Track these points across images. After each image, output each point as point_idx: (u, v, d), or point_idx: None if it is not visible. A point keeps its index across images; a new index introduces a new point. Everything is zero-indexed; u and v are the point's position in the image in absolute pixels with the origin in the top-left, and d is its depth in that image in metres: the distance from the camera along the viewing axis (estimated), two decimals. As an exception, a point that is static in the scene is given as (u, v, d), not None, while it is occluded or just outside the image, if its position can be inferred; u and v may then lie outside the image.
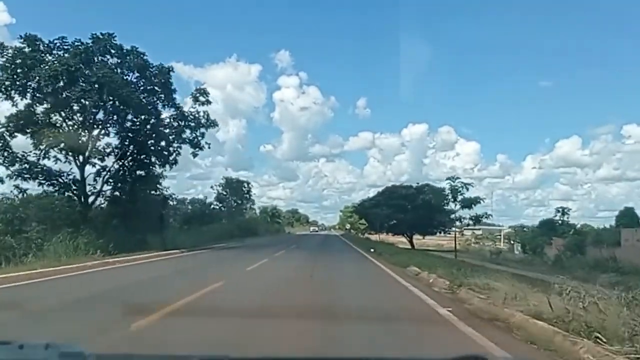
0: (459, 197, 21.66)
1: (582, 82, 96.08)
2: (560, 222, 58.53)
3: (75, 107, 18.58)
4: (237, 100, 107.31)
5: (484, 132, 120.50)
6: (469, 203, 21.73)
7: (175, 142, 21.97)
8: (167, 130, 21.57)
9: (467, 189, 21.74)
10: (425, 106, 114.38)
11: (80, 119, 19.16)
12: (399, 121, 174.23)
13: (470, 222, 21.91)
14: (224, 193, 50.96)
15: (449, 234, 61.25)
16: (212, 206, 34.90)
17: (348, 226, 76.62)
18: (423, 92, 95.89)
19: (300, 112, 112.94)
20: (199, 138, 22.37)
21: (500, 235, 66.79)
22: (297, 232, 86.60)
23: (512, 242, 63.50)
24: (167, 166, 22.78)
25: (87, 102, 17.42)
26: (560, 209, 59.57)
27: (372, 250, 23.43)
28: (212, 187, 51.99)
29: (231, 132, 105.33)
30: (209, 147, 22.94)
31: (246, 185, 53.66)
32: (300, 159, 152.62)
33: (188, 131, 22.09)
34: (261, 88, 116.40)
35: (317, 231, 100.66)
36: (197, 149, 22.33)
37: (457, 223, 22.70)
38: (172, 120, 21.73)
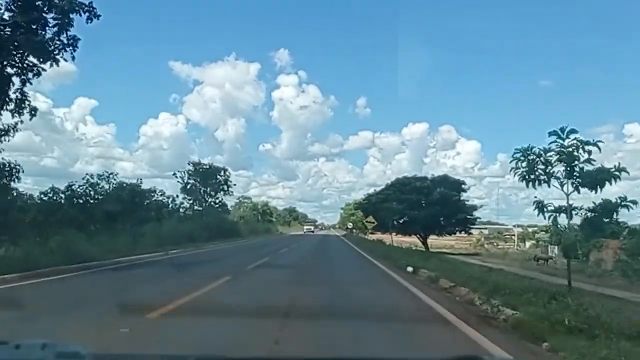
0: (577, 169, 10.13)
1: (583, 81, 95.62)
2: (607, 220, 49.16)
3: None
4: (236, 99, 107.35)
5: (484, 131, 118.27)
6: (597, 180, 10.06)
7: (20, 50, 10.93)
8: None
9: (590, 154, 10.10)
10: (425, 105, 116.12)
11: None
12: (399, 120, 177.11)
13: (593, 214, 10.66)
14: (194, 182, 39.73)
15: (471, 233, 52.16)
16: (155, 197, 23.67)
17: (350, 225, 65.92)
18: (423, 92, 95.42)
19: (299, 111, 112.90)
20: (63, 37, 11.04)
21: (508, 235, 63.32)
22: (291, 232, 75.43)
23: (546, 244, 54.42)
24: (21, 111, 11.98)
25: None
26: (607, 205, 50.09)
27: (409, 269, 12.08)
28: (174, 174, 39.28)
29: (230, 131, 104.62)
30: (73, 58, 11.39)
31: (222, 173, 41.49)
32: (299, 158, 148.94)
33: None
34: (260, 87, 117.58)
35: (312, 231, 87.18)
36: (49, 61, 11.02)
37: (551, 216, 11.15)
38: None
